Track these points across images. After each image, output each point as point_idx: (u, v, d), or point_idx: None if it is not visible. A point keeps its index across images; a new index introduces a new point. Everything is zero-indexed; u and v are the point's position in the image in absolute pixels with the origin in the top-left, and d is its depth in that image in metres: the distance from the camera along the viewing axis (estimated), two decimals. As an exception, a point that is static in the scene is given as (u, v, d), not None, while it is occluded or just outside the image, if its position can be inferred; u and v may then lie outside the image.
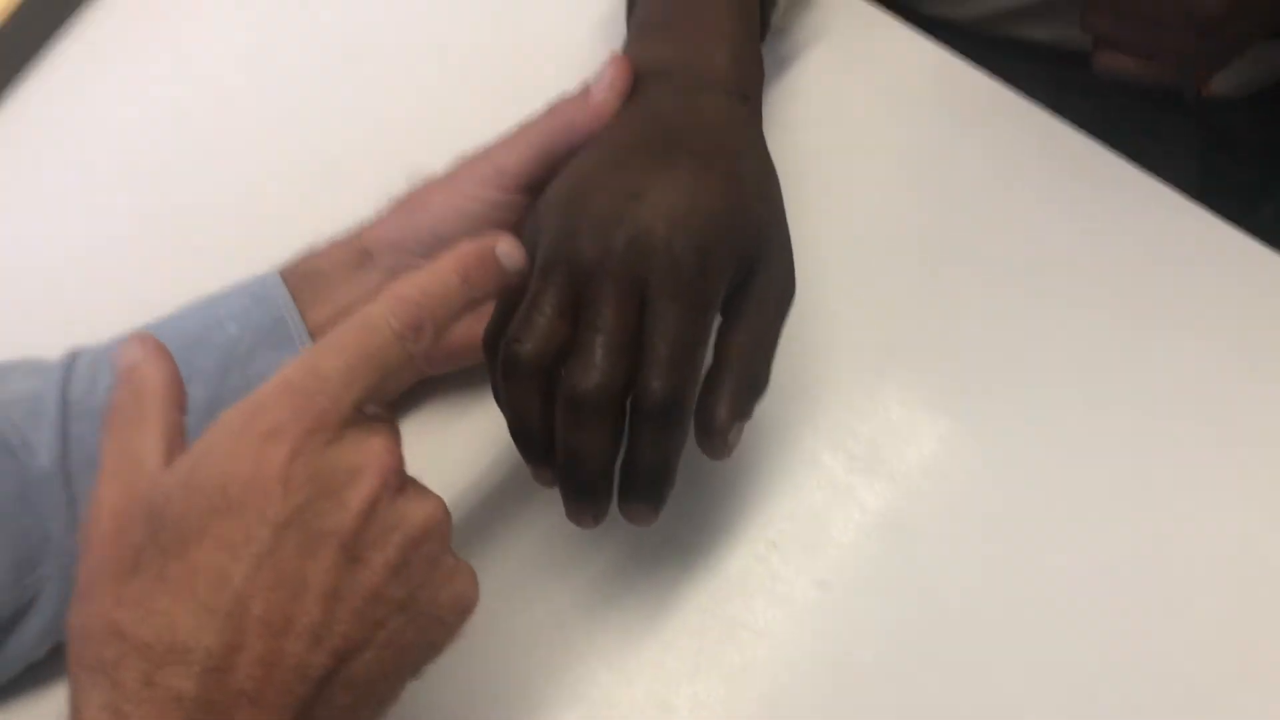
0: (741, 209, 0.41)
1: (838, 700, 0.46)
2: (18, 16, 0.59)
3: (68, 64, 0.61)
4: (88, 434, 0.45)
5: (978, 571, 0.48)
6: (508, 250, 0.38)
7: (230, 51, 0.62)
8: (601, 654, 0.47)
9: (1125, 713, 0.45)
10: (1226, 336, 0.52)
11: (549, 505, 0.49)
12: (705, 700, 0.46)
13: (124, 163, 0.59)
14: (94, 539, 0.33)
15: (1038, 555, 0.48)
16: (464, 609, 0.36)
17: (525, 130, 0.47)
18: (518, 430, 0.42)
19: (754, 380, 0.42)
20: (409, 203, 0.49)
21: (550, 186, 0.43)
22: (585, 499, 0.41)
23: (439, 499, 0.35)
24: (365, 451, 0.33)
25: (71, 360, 0.46)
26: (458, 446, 0.51)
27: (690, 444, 0.41)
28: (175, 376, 0.36)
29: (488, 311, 0.43)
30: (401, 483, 0.34)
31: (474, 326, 0.44)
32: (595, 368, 0.38)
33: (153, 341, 0.36)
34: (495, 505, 0.50)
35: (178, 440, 0.34)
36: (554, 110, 0.46)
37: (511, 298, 0.41)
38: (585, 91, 0.46)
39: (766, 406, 0.43)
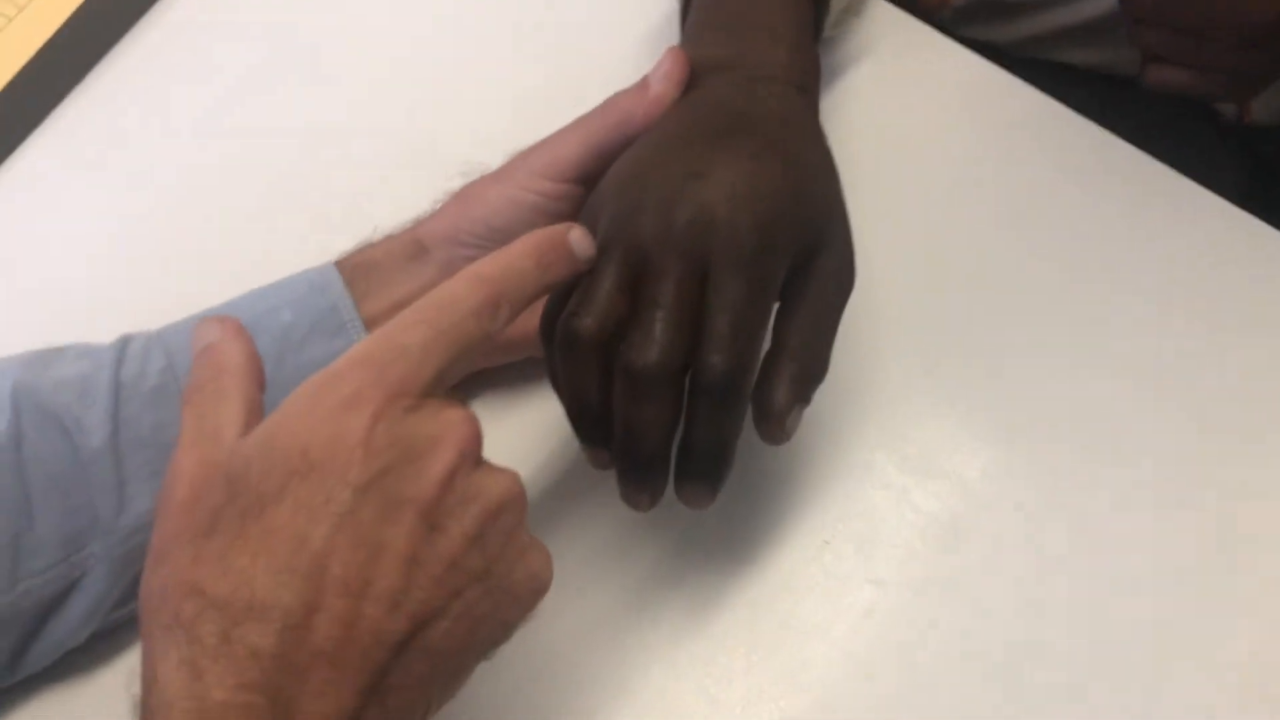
0: (803, 192, 0.41)
1: (891, 700, 0.45)
2: (74, 23, 0.60)
3: (120, 72, 0.62)
4: (139, 415, 0.44)
5: (1032, 572, 0.47)
6: (579, 238, 0.39)
7: (277, 60, 0.62)
8: (652, 650, 0.46)
9: (1186, 710, 0.44)
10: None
11: (601, 501, 0.49)
12: (756, 698, 0.45)
13: (181, 168, 0.60)
14: (170, 506, 0.33)
15: (1091, 555, 0.47)
16: (539, 587, 0.35)
17: (581, 122, 0.47)
18: (575, 409, 0.41)
19: (814, 365, 0.42)
20: (463, 196, 0.49)
21: (610, 170, 0.43)
22: (642, 478, 0.41)
23: (515, 474, 0.35)
24: (444, 422, 0.33)
25: (124, 344, 0.46)
26: (507, 442, 0.49)
27: (744, 440, 0.41)
28: (254, 354, 0.36)
29: (541, 302, 0.43)
30: (479, 456, 0.34)
31: (528, 318, 0.44)
32: (655, 342, 0.38)
33: (231, 321, 0.37)
34: (547, 500, 0.49)
35: (257, 415, 0.34)
36: (610, 103, 0.47)
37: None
38: (642, 83, 0.46)
39: (819, 407, 0.43)
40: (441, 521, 0.32)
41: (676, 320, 0.38)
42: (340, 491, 0.31)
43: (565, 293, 0.41)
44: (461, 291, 0.35)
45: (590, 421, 0.41)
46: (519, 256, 0.37)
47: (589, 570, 0.48)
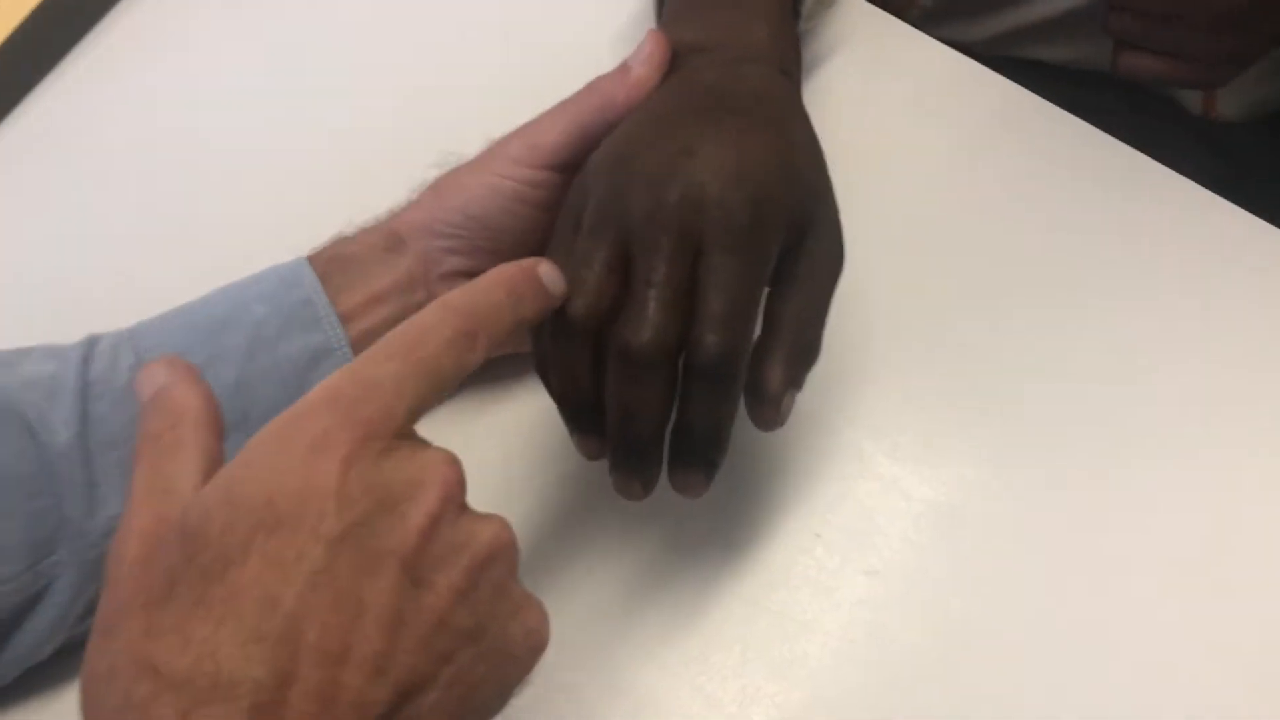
0: (793, 171, 0.41)
1: (889, 690, 0.44)
2: (39, 15, 0.59)
3: (90, 64, 0.61)
4: (109, 414, 0.43)
5: (1027, 559, 0.47)
6: (548, 271, 0.37)
7: (252, 50, 0.61)
8: (645, 649, 0.45)
9: (1181, 695, 0.43)
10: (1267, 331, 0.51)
11: (587, 502, 0.48)
12: (754, 695, 0.44)
13: (146, 161, 0.58)
14: (120, 569, 0.29)
15: (1085, 540, 0.47)
16: (536, 645, 0.32)
17: (561, 108, 0.46)
18: (566, 396, 0.40)
19: (806, 347, 0.41)
20: (440, 186, 0.48)
21: (596, 152, 0.42)
22: (635, 464, 0.39)
23: (503, 520, 0.32)
24: (424, 465, 0.30)
25: (91, 343, 0.45)
26: (488, 440, 0.49)
27: (735, 431, 0.40)
28: (212, 399, 0.33)
29: None
30: (463, 501, 0.31)
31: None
32: (649, 321, 0.37)
33: (181, 363, 0.33)
34: (531, 500, 0.48)
35: (215, 467, 0.31)
36: (591, 87, 0.46)
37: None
38: (623, 67, 0.45)
39: (806, 399, 0.42)
40: (426, 576, 0.29)
41: (670, 299, 0.38)
42: (312, 546, 0.28)
43: None
44: (433, 322, 0.32)
45: (581, 408, 0.40)
46: (491, 288, 0.34)
47: (576, 571, 0.47)
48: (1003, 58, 0.71)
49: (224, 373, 0.44)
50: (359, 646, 0.28)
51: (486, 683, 0.31)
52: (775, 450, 0.49)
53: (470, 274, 0.40)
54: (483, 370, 0.49)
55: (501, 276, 0.35)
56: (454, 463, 0.31)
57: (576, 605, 0.46)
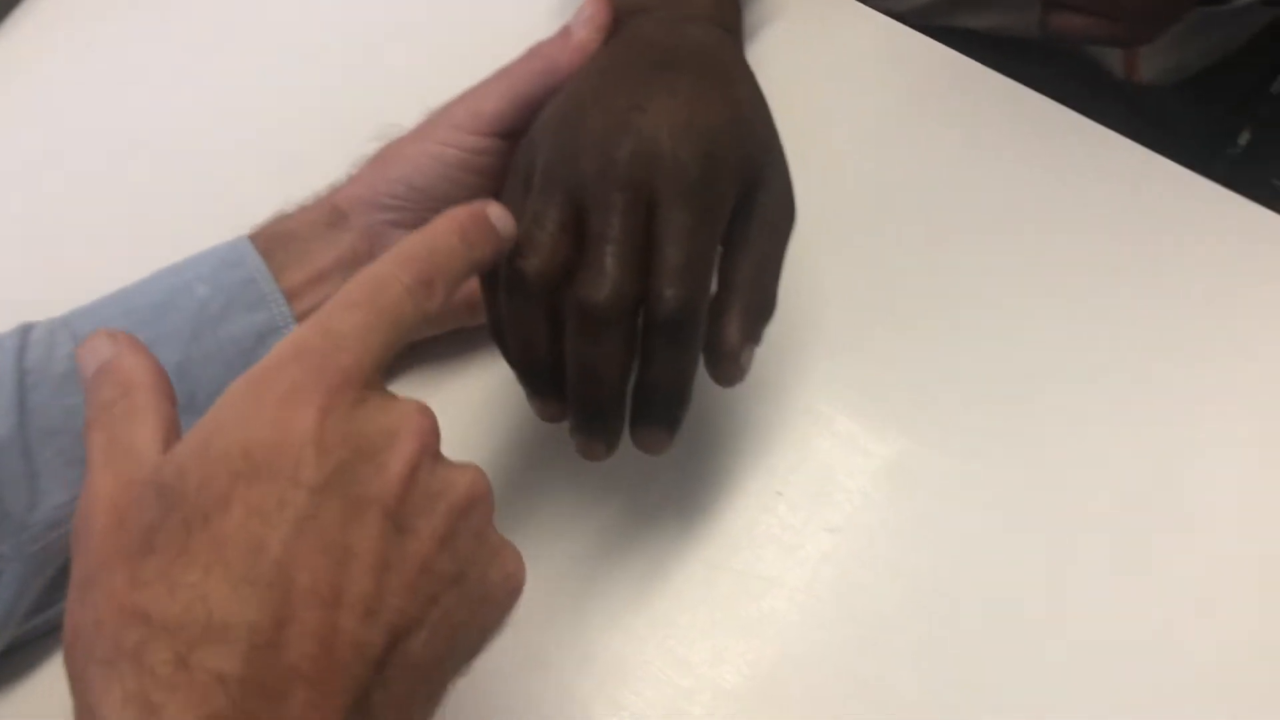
0: (742, 125, 0.41)
1: (857, 643, 0.44)
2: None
3: (16, 44, 0.59)
4: (48, 403, 0.41)
5: (984, 511, 0.47)
6: (498, 214, 0.36)
7: (181, 30, 0.60)
8: (612, 616, 0.45)
9: (1138, 645, 0.44)
10: (1202, 286, 0.52)
11: (546, 471, 0.47)
12: (724, 653, 0.44)
13: (81, 135, 0.57)
14: (90, 532, 0.28)
15: (1045, 492, 0.47)
16: (514, 588, 0.33)
17: (503, 73, 0.46)
18: (523, 358, 0.40)
19: (763, 302, 0.41)
20: (381, 158, 0.47)
21: (543, 113, 0.42)
22: (598, 424, 0.39)
23: (478, 468, 0.32)
24: (398, 414, 0.30)
25: (24, 331, 0.43)
26: (442, 417, 0.48)
27: (693, 396, 0.40)
28: (159, 367, 0.32)
29: None
30: (438, 450, 0.31)
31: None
32: (607, 276, 0.37)
33: (123, 334, 0.32)
34: (490, 474, 0.47)
35: (175, 433, 0.30)
36: (533, 52, 0.45)
37: None
38: (565, 31, 0.45)
39: (763, 361, 0.42)
40: (409, 522, 0.29)
41: (627, 254, 0.37)
42: (294, 494, 0.28)
43: None
44: (391, 271, 0.32)
45: (539, 370, 0.40)
46: (443, 233, 0.34)
47: (539, 542, 0.46)
48: (934, 26, 0.72)
49: (167, 355, 0.43)
50: (350, 589, 0.28)
51: (469, 625, 0.31)
52: (733, 413, 0.48)
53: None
54: (432, 347, 0.49)
55: (452, 222, 0.35)
56: (427, 412, 0.31)
57: (541, 576, 0.44)
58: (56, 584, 0.42)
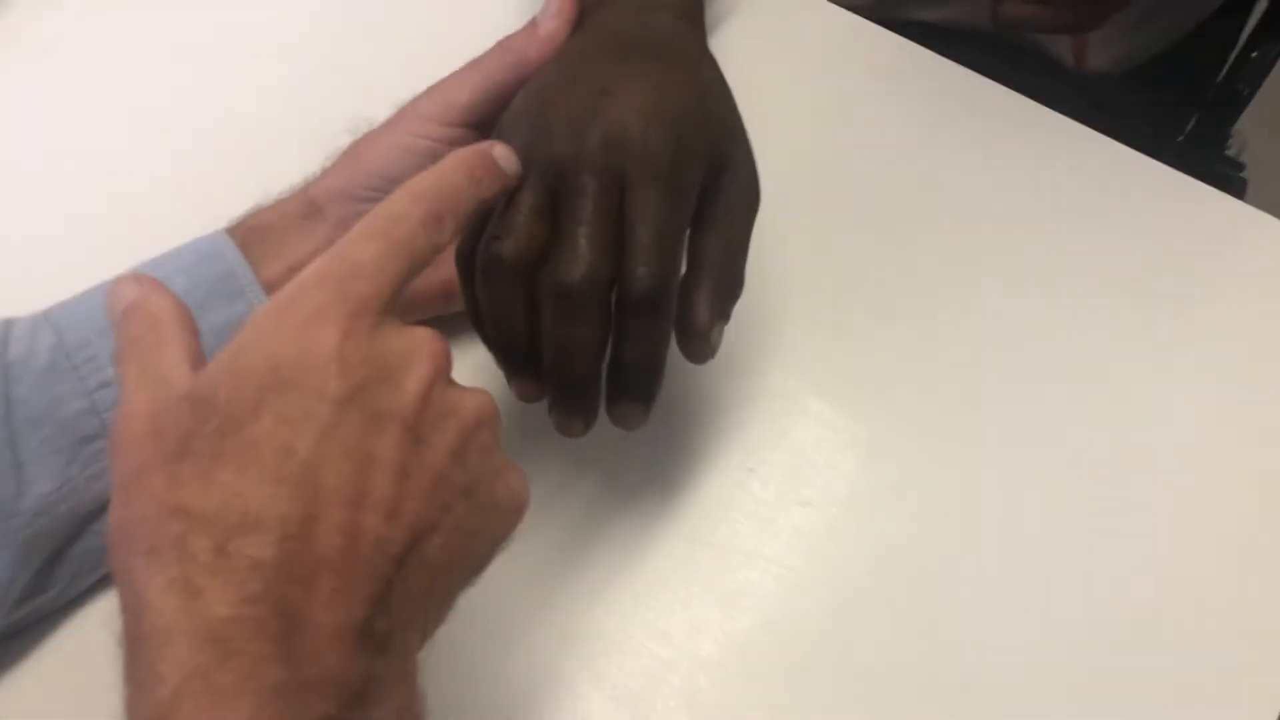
0: (707, 110, 0.42)
1: (832, 612, 0.46)
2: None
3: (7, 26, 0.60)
4: (31, 394, 0.42)
5: (948, 482, 0.49)
6: (503, 153, 0.38)
7: (153, 30, 0.61)
8: (592, 593, 0.46)
9: (1113, 606, 0.46)
10: (1155, 265, 0.54)
11: (526, 448, 0.48)
12: (702, 625, 0.45)
13: (57, 134, 0.58)
14: (127, 442, 0.30)
15: (1002, 462, 0.49)
16: (520, 504, 0.35)
17: (473, 65, 0.47)
18: (500, 340, 0.41)
19: (731, 281, 0.42)
20: (354, 151, 0.48)
21: (514, 101, 0.43)
22: (576, 402, 0.40)
23: (487, 393, 0.34)
24: (413, 338, 0.32)
25: (6, 327, 0.44)
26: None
27: (666, 376, 0.41)
28: (182, 304, 0.34)
29: (449, 256, 0.42)
30: (449, 373, 0.33)
31: (435, 271, 0.43)
32: (581, 257, 0.38)
33: (148, 278, 0.35)
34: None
35: (199, 360, 0.32)
36: (502, 45, 0.46)
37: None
38: (532, 23, 0.46)
39: (731, 341, 0.43)
40: (424, 435, 0.31)
41: (600, 236, 0.38)
42: (319, 406, 0.30)
43: (480, 226, 0.40)
44: (404, 207, 0.34)
45: (517, 351, 0.41)
46: (451, 171, 0.36)
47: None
48: (889, 19, 0.74)
49: (149, 347, 0.43)
50: (372, 492, 0.30)
51: (479, 534, 0.33)
52: (705, 392, 0.50)
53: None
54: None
55: (460, 160, 0.36)
56: (440, 338, 0.33)
57: (523, 552, 0.45)
58: (45, 572, 0.43)
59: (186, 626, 0.27)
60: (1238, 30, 0.85)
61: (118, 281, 0.35)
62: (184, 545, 0.28)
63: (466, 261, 0.41)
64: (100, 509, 0.43)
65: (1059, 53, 0.78)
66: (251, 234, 0.47)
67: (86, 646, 0.43)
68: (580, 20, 0.46)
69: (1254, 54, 0.82)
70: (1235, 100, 0.84)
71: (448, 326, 0.49)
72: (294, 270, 0.46)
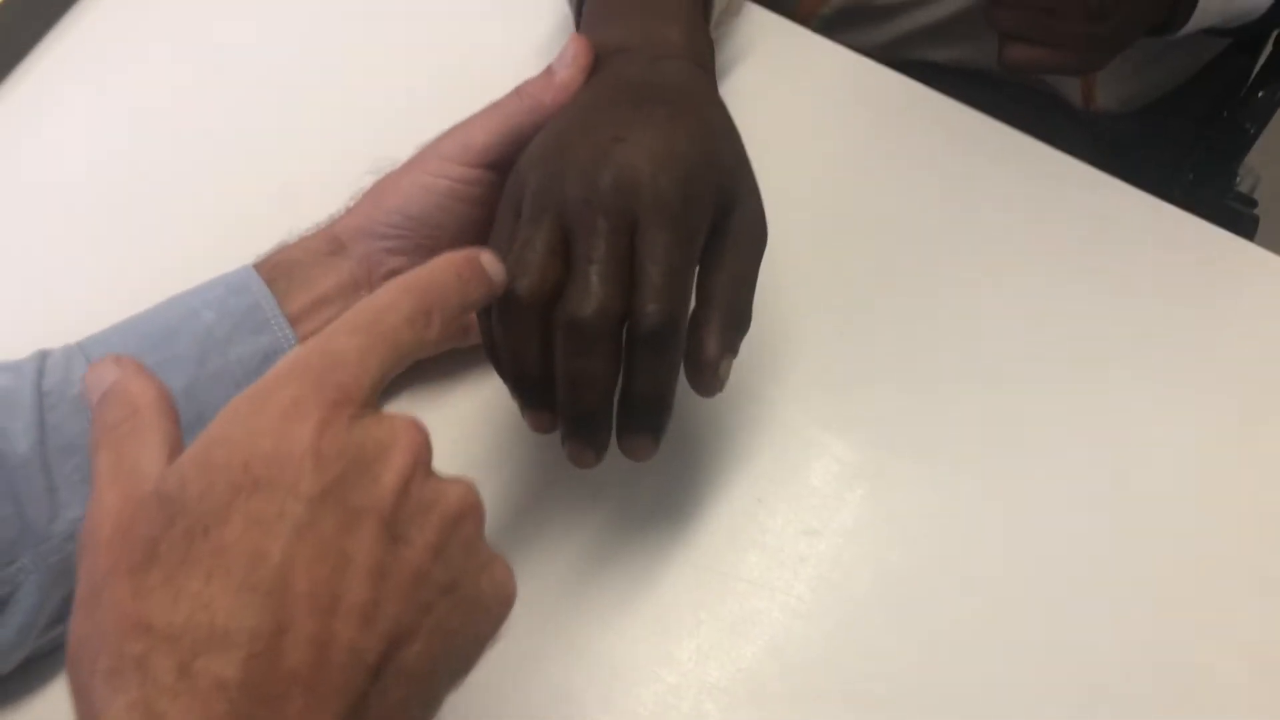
0: (715, 153, 0.43)
1: (837, 639, 0.47)
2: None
3: (48, 64, 0.62)
4: (65, 422, 0.44)
5: (951, 510, 0.50)
6: (489, 260, 0.38)
7: (187, 69, 0.63)
8: (601, 618, 0.47)
9: (1113, 632, 0.47)
10: (1162, 303, 0.55)
11: (539, 477, 0.50)
12: (710, 651, 0.46)
13: (99, 164, 0.60)
14: (95, 545, 0.30)
15: (1003, 489, 0.50)
16: (506, 599, 0.34)
17: (491, 109, 0.49)
18: (516, 373, 0.42)
19: (739, 316, 0.43)
20: (376, 190, 0.50)
21: (529, 146, 0.45)
22: (587, 434, 0.42)
23: (469, 481, 0.33)
24: (392, 429, 0.32)
25: (42, 357, 0.46)
26: (443, 426, 0.51)
27: (675, 409, 0.43)
28: (163, 388, 0.33)
29: None
30: (430, 463, 0.33)
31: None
32: (593, 294, 0.40)
33: (128, 359, 0.34)
34: (486, 489, 0.49)
35: (178, 450, 0.32)
36: (519, 90, 0.48)
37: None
38: (548, 71, 0.48)
39: (740, 374, 0.44)
40: (403, 531, 0.30)
41: (611, 273, 0.40)
42: (293, 504, 0.29)
43: None
44: (391, 300, 0.34)
45: (531, 384, 0.42)
46: (440, 270, 0.36)
47: (533, 546, 0.48)
48: (898, 60, 0.76)
49: (175, 378, 0.45)
50: (347, 596, 0.29)
51: (462, 634, 0.32)
52: (713, 425, 0.51)
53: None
54: (429, 366, 0.52)
55: (449, 261, 0.37)
56: (420, 427, 0.33)
57: (536, 578, 0.47)
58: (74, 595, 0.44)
59: None
60: (1245, 70, 0.87)
61: (97, 364, 0.34)
62: (146, 666, 0.27)
63: (483, 298, 0.43)
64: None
65: (1067, 92, 0.80)
66: (278, 269, 0.48)
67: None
68: (595, 67, 0.48)
69: (1260, 93, 0.84)
70: (1242, 138, 0.85)
71: (465, 359, 0.51)
72: (318, 303, 0.49)
